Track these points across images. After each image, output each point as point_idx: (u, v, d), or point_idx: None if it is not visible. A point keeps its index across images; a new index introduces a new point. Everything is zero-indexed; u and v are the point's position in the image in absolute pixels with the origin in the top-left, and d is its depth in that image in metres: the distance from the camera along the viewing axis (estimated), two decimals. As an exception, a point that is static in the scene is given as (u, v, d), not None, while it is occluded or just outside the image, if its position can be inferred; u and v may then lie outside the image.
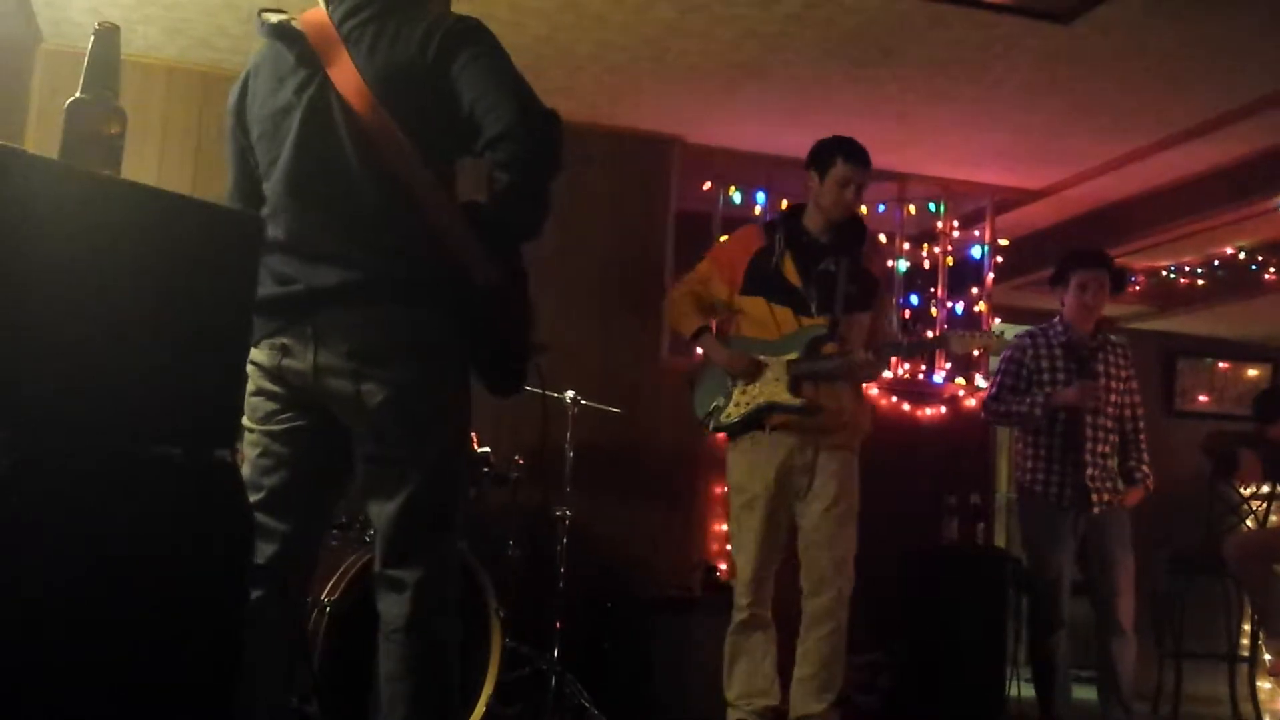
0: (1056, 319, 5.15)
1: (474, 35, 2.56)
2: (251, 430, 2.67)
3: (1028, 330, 5.20)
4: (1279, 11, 4.52)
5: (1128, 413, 5.12)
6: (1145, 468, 5.10)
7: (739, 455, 4.37)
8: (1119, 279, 5.17)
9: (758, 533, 4.27)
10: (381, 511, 2.57)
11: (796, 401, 4.21)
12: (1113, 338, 5.17)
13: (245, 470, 2.67)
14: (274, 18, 2.66)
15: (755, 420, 4.28)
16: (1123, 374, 5.08)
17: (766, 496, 4.26)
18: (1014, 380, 5.15)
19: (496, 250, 2.58)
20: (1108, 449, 5.01)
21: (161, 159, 5.50)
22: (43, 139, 5.07)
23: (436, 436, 2.57)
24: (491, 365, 2.68)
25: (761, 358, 4.28)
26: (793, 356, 4.24)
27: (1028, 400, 5.02)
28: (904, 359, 6.58)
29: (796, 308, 4.29)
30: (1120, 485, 5.05)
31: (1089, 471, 4.93)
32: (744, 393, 4.30)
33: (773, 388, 4.25)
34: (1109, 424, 5.02)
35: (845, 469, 4.28)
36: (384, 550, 2.59)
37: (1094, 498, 4.92)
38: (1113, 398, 5.03)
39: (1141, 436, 5.14)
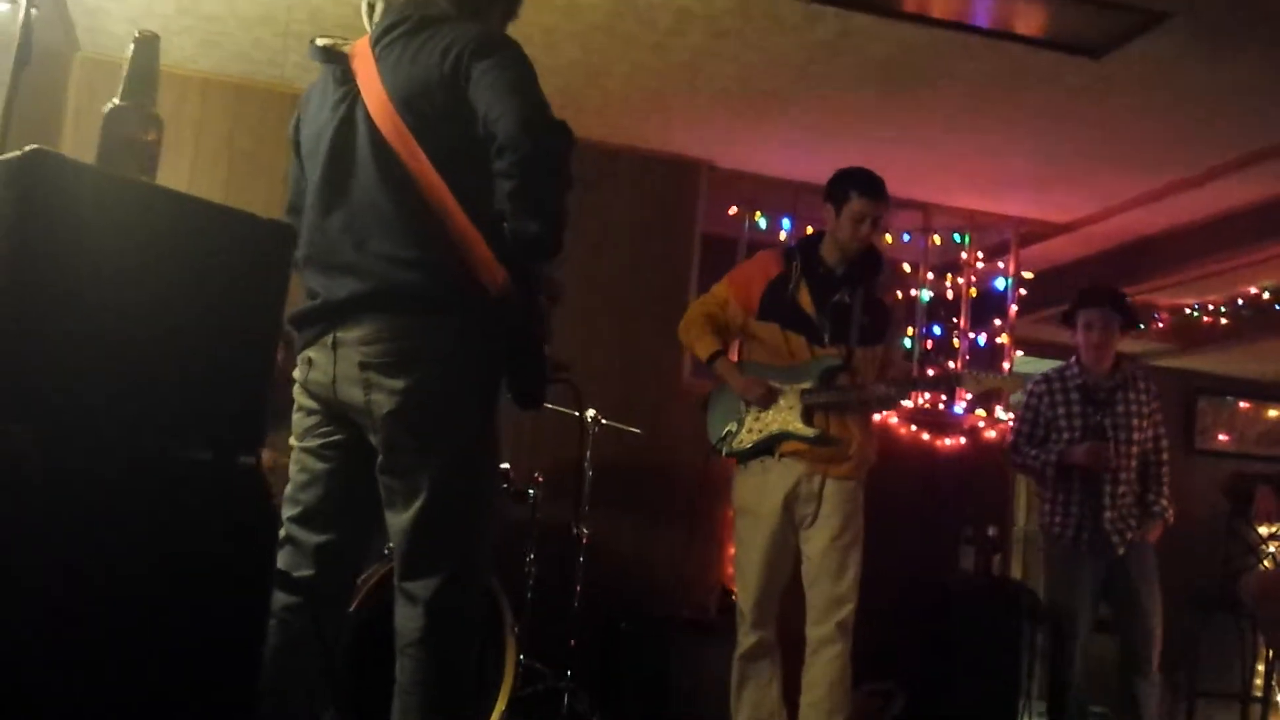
0: (1073, 359, 5.10)
1: (492, 50, 2.52)
2: (293, 447, 2.70)
3: (1044, 373, 5.14)
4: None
5: (1150, 445, 5.04)
6: (1164, 501, 5.00)
7: (746, 479, 4.36)
8: (1130, 316, 5.08)
9: (762, 556, 4.25)
10: (394, 523, 2.58)
11: (810, 431, 4.20)
12: (1136, 371, 5.10)
13: (287, 487, 2.70)
14: (323, 41, 2.71)
15: (766, 447, 4.28)
16: (1145, 409, 5.01)
17: (772, 521, 4.25)
18: (1030, 428, 5.11)
19: (513, 264, 2.53)
20: (1127, 489, 4.93)
21: (194, 169, 5.54)
22: (78, 145, 5.13)
23: (447, 448, 2.55)
24: (511, 377, 2.65)
25: (775, 384, 4.29)
26: (806, 385, 4.24)
27: (1040, 458, 5.01)
28: (920, 393, 6.58)
29: (810, 336, 4.29)
30: (1141, 521, 4.97)
31: (1107, 515, 4.87)
32: (757, 419, 4.30)
33: (786, 416, 4.24)
34: (1131, 464, 4.95)
35: (852, 499, 4.27)
36: (399, 563, 2.59)
37: (1114, 539, 4.87)
38: (1135, 435, 4.95)
39: (1164, 470, 5.05)
